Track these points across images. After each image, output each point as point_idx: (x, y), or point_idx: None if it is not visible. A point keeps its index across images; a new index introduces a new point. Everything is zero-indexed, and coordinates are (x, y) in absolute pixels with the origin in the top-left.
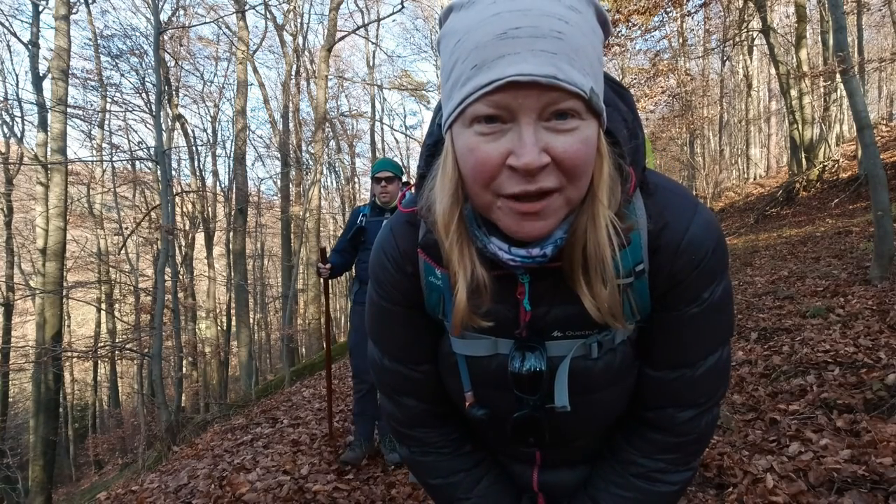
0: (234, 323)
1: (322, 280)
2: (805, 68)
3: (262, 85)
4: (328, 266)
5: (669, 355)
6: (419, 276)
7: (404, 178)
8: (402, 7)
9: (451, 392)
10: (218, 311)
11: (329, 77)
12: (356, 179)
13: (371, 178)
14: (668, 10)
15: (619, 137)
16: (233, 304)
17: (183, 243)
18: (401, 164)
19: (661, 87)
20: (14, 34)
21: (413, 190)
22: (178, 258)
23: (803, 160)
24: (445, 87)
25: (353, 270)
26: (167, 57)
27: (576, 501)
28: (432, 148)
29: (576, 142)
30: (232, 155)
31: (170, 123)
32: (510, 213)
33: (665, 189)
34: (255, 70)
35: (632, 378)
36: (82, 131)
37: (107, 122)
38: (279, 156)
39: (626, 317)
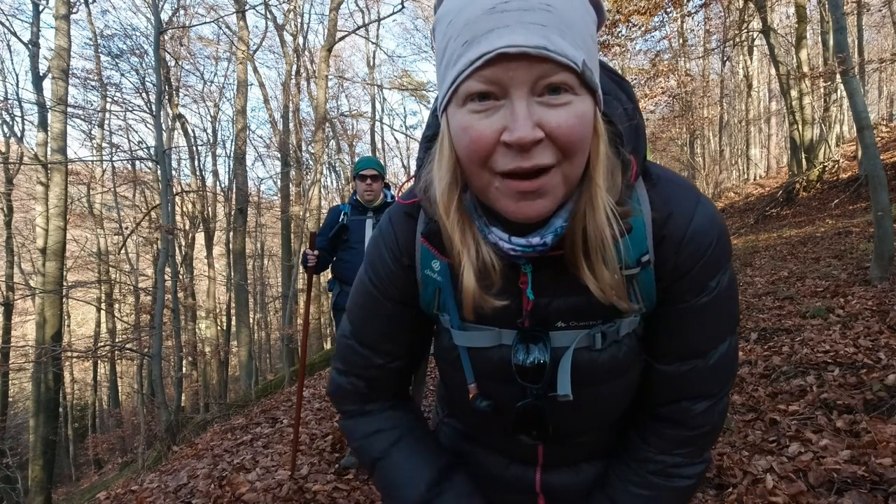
0: (234, 323)
1: (308, 276)
2: (805, 69)
3: (262, 85)
4: (316, 253)
5: (680, 347)
6: (415, 270)
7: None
8: (402, 7)
9: (454, 387)
10: (218, 311)
11: (329, 77)
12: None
13: (355, 176)
14: (669, 10)
15: (613, 118)
16: (233, 304)
17: (183, 243)
18: (401, 164)
19: (662, 87)
20: (14, 34)
21: (412, 182)
22: (178, 258)
23: (803, 161)
24: (440, 70)
25: (333, 270)
26: (167, 57)
27: (593, 501)
28: (431, 139)
29: (570, 116)
30: (232, 155)
31: (170, 123)
32: (507, 193)
33: (668, 180)
34: (255, 70)
35: (636, 372)
36: (82, 131)
37: (107, 121)
38: (279, 156)
39: (632, 304)
